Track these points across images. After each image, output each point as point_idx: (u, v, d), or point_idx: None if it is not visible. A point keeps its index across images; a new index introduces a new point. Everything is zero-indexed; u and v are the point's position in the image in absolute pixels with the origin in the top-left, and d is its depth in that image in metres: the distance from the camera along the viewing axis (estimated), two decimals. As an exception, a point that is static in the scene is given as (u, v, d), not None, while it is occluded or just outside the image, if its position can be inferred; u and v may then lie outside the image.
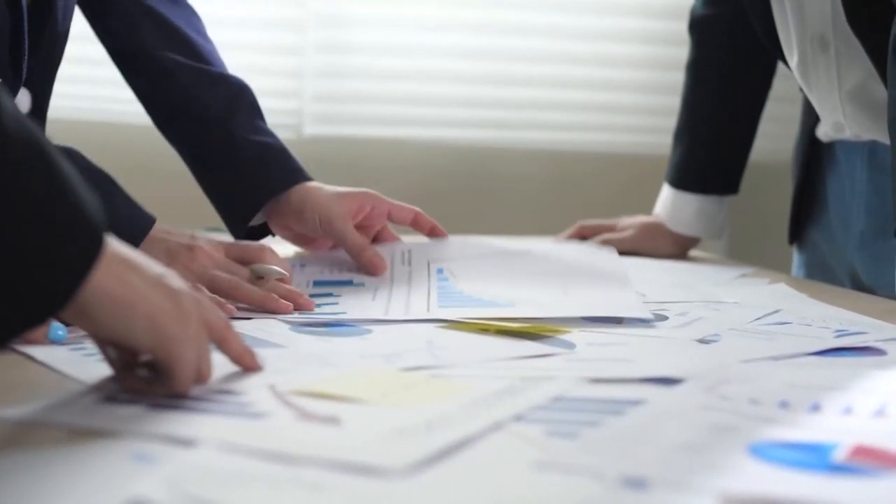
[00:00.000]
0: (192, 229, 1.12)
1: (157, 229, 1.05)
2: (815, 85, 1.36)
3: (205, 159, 1.27)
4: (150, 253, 0.96)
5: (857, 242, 1.37)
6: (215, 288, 1.01)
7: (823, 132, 1.41)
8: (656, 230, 1.60)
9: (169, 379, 0.69)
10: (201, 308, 0.72)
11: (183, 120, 1.27)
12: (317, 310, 1.02)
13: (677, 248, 1.60)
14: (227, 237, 1.47)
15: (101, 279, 0.64)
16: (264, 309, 1.00)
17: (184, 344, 0.69)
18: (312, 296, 1.08)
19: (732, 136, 1.57)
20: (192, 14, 1.32)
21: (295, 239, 1.26)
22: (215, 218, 1.97)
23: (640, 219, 1.63)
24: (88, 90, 2.22)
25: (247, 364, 0.76)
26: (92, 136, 2.22)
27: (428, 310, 1.01)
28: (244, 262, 1.07)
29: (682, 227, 1.59)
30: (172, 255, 1.02)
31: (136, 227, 1.03)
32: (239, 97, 1.26)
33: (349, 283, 1.13)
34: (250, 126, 1.25)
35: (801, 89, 1.50)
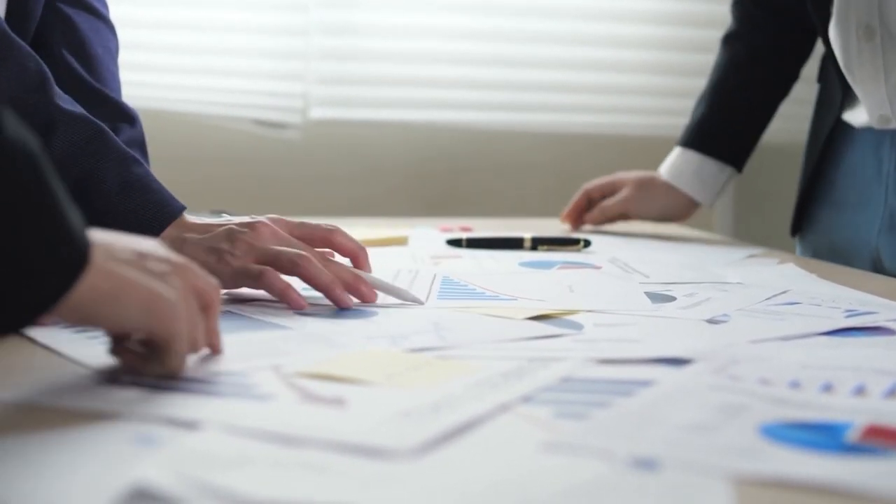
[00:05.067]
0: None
1: (192, 219, 1.01)
2: (859, 76, 1.33)
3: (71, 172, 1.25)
4: (194, 241, 0.97)
5: (885, 224, 1.35)
6: (278, 265, 0.96)
7: (864, 120, 1.37)
8: (651, 185, 1.61)
9: (164, 356, 0.69)
10: (189, 277, 0.72)
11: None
12: (315, 292, 1.01)
13: (669, 206, 1.61)
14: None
15: (89, 282, 0.65)
16: (327, 295, 0.96)
17: (176, 321, 0.69)
18: None
19: (750, 112, 1.57)
20: (109, 38, 1.31)
21: None
22: (219, 202, 1.98)
23: (637, 173, 1.65)
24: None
25: (212, 343, 0.75)
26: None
27: (426, 300, 1.00)
28: (311, 241, 1.01)
29: (677, 180, 1.60)
30: (231, 235, 0.98)
31: (164, 214, 0.99)
32: (120, 123, 1.23)
33: None
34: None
35: (819, 75, 1.48)
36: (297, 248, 0.98)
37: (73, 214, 0.65)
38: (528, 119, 2.45)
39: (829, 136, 1.43)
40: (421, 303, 0.99)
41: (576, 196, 1.66)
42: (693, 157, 1.59)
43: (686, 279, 1.14)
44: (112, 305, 0.67)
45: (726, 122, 1.58)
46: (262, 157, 2.32)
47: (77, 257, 0.64)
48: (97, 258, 0.65)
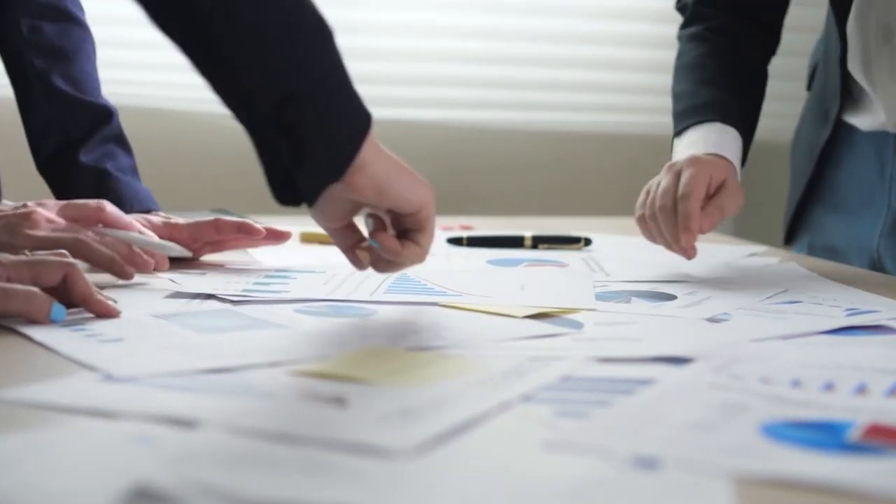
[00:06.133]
0: (197, 211, 1.11)
1: None
2: (878, 78, 1.30)
3: (52, 178, 1.32)
4: None
5: (886, 228, 1.33)
6: (63, 249, 1.01)
7: (871, 123, 1.34)
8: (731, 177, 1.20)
9: (421, 235, 0.90)
10: None
11: (43, 140, 1.32)
12: (265, 288, 1.01)
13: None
14: (233, 219, 1.47)
15: (379, 152, 0.88)
16: (110, 271, 1.01)
17: (433, 205, 0.90)
18: (269, 276, 1.07)
19: (756, 104, 1.35)
20: (82, 39, 1.34)
21: None
22: (221, 200, 1.97)
23: (707, 164, 1.19)
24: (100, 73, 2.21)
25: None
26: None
27: (372, 295, 0.99)
28: (83, 220, 1.07)
29: (729, 152, 1.23)
30: (11, 227, 1.02)
31: None
32: (97, 124, 1.31)
33: (310, 271, 1.12)
34: (99, 151, 1.29)
35: (809, 84, 1.47)
36: (73, 231, 1.04)
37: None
38: (529, 118, 2.44)
39: (827, 142, 1.40)
40: (188, 254, 1.11)
41: (692, 207, 1.13)
42: (735, 137, 1.25)
43: (687, 277, 1.13)
44: (400, 178, 0.88)
45: (747, 108, 1.31)
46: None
47: (367, 116, 0.88)
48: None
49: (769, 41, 1.40)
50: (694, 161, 1.16)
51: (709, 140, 1.23)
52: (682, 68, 1.36)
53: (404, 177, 0.89)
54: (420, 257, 0.93)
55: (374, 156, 0.87)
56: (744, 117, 1.28)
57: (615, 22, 2.47)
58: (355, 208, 0.91)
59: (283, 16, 0.85)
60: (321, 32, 0.87)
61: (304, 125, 0.84)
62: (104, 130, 1.30)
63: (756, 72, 1.36)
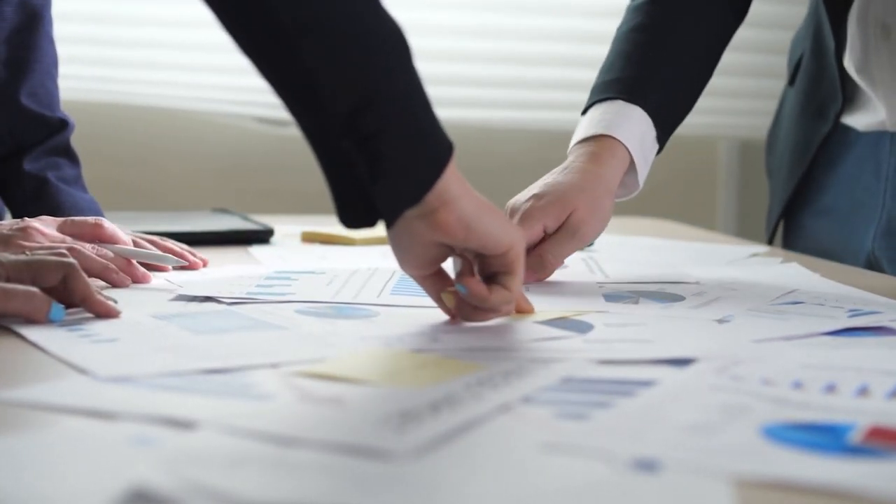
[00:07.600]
0: (197, 211, 1.11)
1: None
2: (878, 77, 1.29)
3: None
4: None
5: (881, 228, 1.32)
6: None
7: (869, 122, 1.33)
8: (594, 188, 1.16)
9: (510, 279, 0.84)
10: None
11: None
12: (268, 290, 1.00)
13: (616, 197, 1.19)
14: (234, 218, 1.47)
15: (457, 178, 0.82)
16: (104, 279, 1.01)
17: (523, 246, 0.85)
18: (271, 278, 1.07)
19: (689, 87, 1.25)
20: (46, 54, 1.34)
21: None
22: (222, 200, 1.97)
23: (565, 181, 1.20)
24: (100, 72, 2.21)
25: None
26: (105, 117, 2.21)
27: (378, 296, 0.99)
28: (80, 237, 1.07)
29: (624, 134, 1.16)
30: (5, 238, 1.02)
31: None
32: (48, 135, 1.32)
33: (311, 271, 1.12)
34: (43, 161, 1.30)
35: (791, 79, 1.46)
36: (69, 244, 1.04)
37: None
38: (529, 118, 2.44)
39: (823, 142, 1.38)
40: (183, 262, 1.09)
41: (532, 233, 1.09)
42: (642, 116, 1.16)
43: (646, 279, 1.13)
44: (488, 216, 0.83)
45: (665, 86, 1.21)
46: (264, 155, 2.32)
47: (449, 142, 0.82)
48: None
49: (726, 16, 1.27)
50: (526, 213, 1.09)
51: (602, 120, 1.16)
52: (612, 42, 1.29)
53: (492, 215, 0.84)
54: (509, 303, 0.86)
55: (461, 191, 0.82)
56: (658, 95, 1.18)
57: (615, 22, 2.46)
58: (441, 253, 0.85)
59: (365, 23, 0.80)
60: (403, 47, 0.82)
61: (383, 136, 0.79)
62: (52, 141, 1.32)
63: (692, 47, 1.24)
